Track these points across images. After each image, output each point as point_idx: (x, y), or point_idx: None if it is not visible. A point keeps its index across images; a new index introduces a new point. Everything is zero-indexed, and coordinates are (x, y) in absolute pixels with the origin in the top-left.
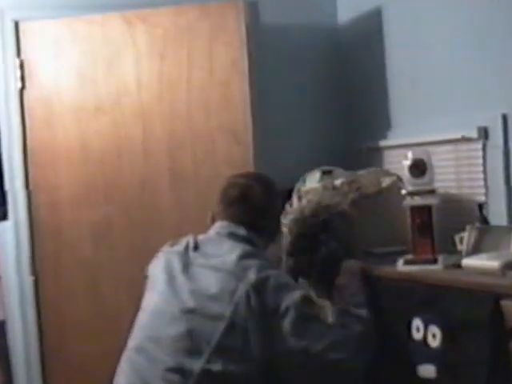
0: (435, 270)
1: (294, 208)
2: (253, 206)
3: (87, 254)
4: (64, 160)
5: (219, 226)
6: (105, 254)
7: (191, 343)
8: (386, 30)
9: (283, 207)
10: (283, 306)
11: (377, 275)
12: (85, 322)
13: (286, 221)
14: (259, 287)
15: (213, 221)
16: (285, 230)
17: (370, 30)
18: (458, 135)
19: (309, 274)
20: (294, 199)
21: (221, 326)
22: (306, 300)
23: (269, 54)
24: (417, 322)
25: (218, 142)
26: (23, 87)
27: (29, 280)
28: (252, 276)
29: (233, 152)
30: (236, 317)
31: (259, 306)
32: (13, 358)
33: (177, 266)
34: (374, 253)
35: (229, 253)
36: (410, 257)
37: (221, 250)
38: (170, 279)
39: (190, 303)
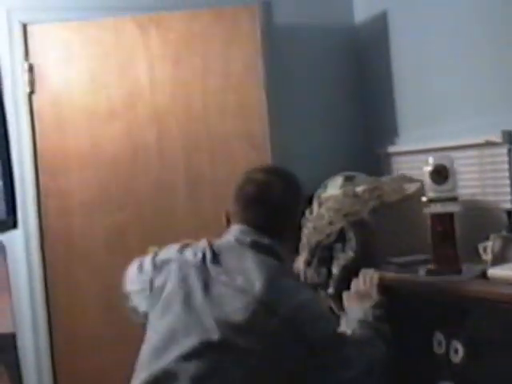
0: (459, 280)
1: (314, 216)
2: (272, 206)
3: (100, 263)
4: (75, 166)
5: (238, 230)
6: (118, 262)
7: (214, 380)
8: (404, 30)
9: (303, 213)
10: (317, 338)
11: (397, 286)
12: (98, 334)
13: (306, 229)
14: (292, 321)
15: (228, 221)
16: (303, 238)
17: (389, 29)
18: (482, 139)
19: (327, 286)
20: (315, 206)
21: (250, 363)
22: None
23: (283, 56)
24: (438, 336)
25: (235, 147)
26: (32, 92)
27: (40, 290)
28: (283, 309)
29: (249, 157)
30: (267, 352)
31: (293, 342)
32: (23, 371)
33: (195, 282)
34: (395, 262)
35: (255, 271)
36: (432, 267)
37: (244, 265)
38: (188, 299)
39: (215, 334)
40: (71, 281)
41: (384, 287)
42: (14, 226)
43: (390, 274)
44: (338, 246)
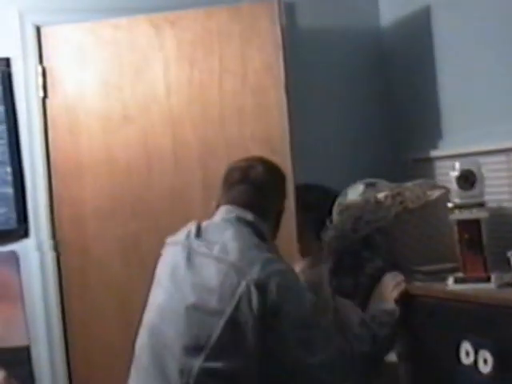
0: (488, 289)
1: (334, 224)
2: (254, 184)
3: (115, 272)
4: (89, 172)
5: (224, 210)
6: (134, 271)
7: (191, 340)
8: (434, 32)
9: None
10: (285, 308)
11: (424, 294)
12: (115, 346)
13: (326, 237)
14: (262, 285)
15: (216, 207)
16: (325, 247)
17: (417, 31)
18: (511, 144)
19: (355, 295)
20: (335, 214)
21: (220, 323)
22: (310, 304)
23: (306, 60)
24: (466, 346)
25: (252, 151)
26: (45, 96)
27: (54, 301)
28: (255, 272)
29: None
30: (236, 314)
31: (261, 305)
32: None
33: (180, 257)
34: (421, 271)
35: (232, 241)
36: (460, 275)
37: (224, 236)
38: (174, 273)
39: (191, 298)
40: (86, 291)
41: (410, 296)
42: (26, 234)
43: (417, 283)
44: (365, 254)
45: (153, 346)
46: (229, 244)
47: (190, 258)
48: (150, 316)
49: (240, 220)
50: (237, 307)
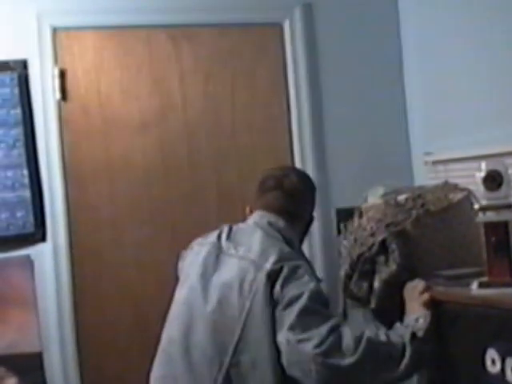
0: None
1: (354, 227)
2: (287, 191)
3: (130, 278)
4: (106, 178)
5: (257, 215)
6: (150, 278)
7: (219, 337)
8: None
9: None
10: (288, 296)
11: (446, 300)
12: (129, 354)
13: (346, 241)
14: (273, 275)
15: (250, 213)
16: (344, 251)
17: None
18: None
19: (368, 301)
20: (355, 218)
21: (242, 318)
22: (314, 295)
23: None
24: (492, 354)
25: (260, 160)
26: (62, 98)
27: (68, 307)
28: (270, 263)
29: None
30: (253, 307)
31: (270, 295)
32: None
33: (210, 257)
34: (443, 275)
35: (258, 243)
36: (485, 279)
37: (252, 239)
38: (203, 273)
39: (215, 297)
40: (100, 296)
41: (433, 301)
42: (43, 239)
43: (439, 288)
44: (381, 258)
45: (181, 341)
46: (254, 245)
47: (218, 258)
48: (178, 311)
49: (271, 225)
50: (253, 300)
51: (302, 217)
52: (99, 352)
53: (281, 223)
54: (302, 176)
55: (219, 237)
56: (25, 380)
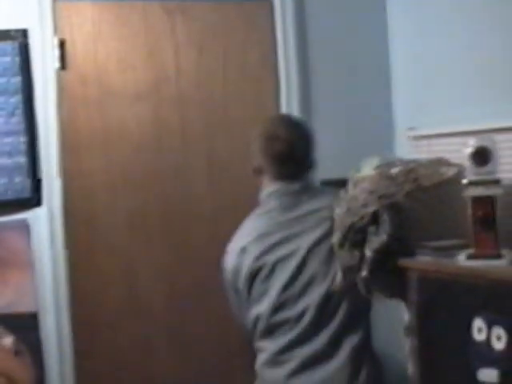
0: (500, 265)
1: (347, 197)
2: (300, 160)
3: (122, 243)
4: (100, 145)
5: (285, 186)
6: (140, 242)
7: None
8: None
9: None
10: None
11: (434, 270)
12: (119, 314)
13: (339, 210)
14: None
15: (260, 172)
16: (337, 219)
17: None
18: None
19: (360, 270)
20: (350, 187)
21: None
22: None
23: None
24: (479, 323)
25: (250, 132)
26: (61, 67)
27: (63, 269)
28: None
29: None
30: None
31: None
32: (45, 352)
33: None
34: (430, 246)
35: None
36: (472, 251)
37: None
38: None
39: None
40: (94, 259)
41: (420, 272)
42: (39, 203)
43: (426, 258)
44: (372, 228)
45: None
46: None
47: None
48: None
49: (308, 188)
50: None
51: (311, 166)
52: (92, 312)
53: (299, 184)
54: (307, 139)
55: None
56: (21, 338)
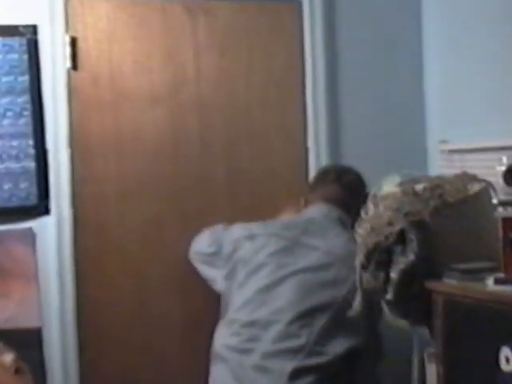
0: None
1: (370, 216)
2: (345, 185)
3: (134, 255)
4: (114, 151)
5: (324, 208)
6: (154, 254)
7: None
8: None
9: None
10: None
11: (461, 294)
12: (129, 330)
13: (361, 230)
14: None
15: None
16: (359, 239)
17: None
18: None
19: (385, 292)
20: (370, 206)
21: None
22: None
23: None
24: (506, 352)
25: (273, 139)
26: (72, 67)
27: (70, 282)
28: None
29: (287, 151)
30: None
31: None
32: (48, 371)
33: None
34: (458, 269)
35: (336, 237)
36: (501, 275)
37: (330, 234)
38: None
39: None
40: (103, 272)
41: (446, 295)
42: (46, 212)
43: (453, 282)
44: (398, 248)
45: None
46: (335, 240)
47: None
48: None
49: (339, 219)
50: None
51: (355, 209)
52: (100, 328)
53: (342, 214)
54: (358, 174)
55: (287, 228)
56: (23, 356)
